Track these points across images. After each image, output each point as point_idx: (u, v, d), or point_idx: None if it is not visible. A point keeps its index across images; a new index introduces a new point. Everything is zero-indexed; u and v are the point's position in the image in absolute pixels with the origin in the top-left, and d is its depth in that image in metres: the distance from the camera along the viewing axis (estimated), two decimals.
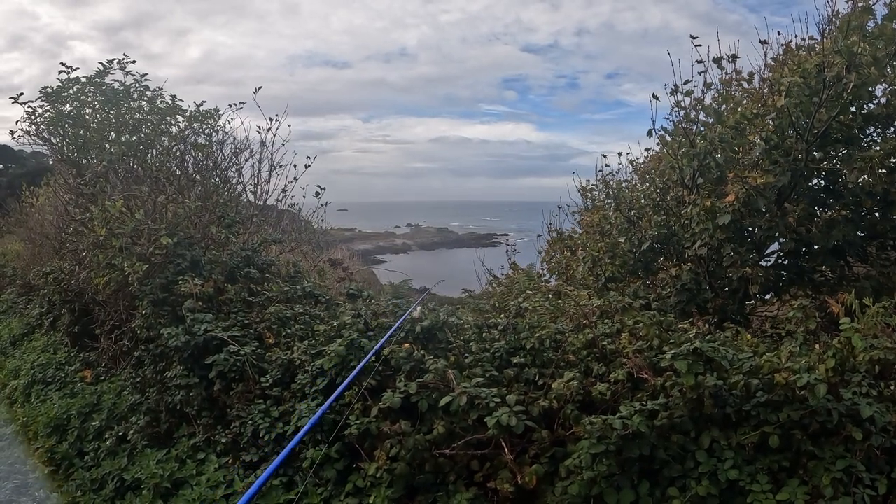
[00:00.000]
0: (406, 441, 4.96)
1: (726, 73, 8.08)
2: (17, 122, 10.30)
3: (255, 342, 6.89)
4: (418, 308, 6.17)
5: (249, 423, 6.12)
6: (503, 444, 4.65)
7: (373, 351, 5.38)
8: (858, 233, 7.12)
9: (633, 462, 4.34)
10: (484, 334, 5.95)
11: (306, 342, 6.52)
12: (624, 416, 4.28)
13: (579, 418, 4.53)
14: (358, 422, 5.25)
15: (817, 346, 4.78)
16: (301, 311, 7.40)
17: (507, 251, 10.86)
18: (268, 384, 6.38)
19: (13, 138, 10.54)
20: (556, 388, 4.76)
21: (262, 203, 10.73)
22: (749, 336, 5.26)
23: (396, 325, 5.86)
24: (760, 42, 7.92)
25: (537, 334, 5.46)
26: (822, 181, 7.44)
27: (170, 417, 7.07)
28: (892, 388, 4.51)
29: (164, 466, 6.38)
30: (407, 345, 5.64)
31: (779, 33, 8.09)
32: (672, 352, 4.46)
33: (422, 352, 5.56)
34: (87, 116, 10.00)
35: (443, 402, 4.88)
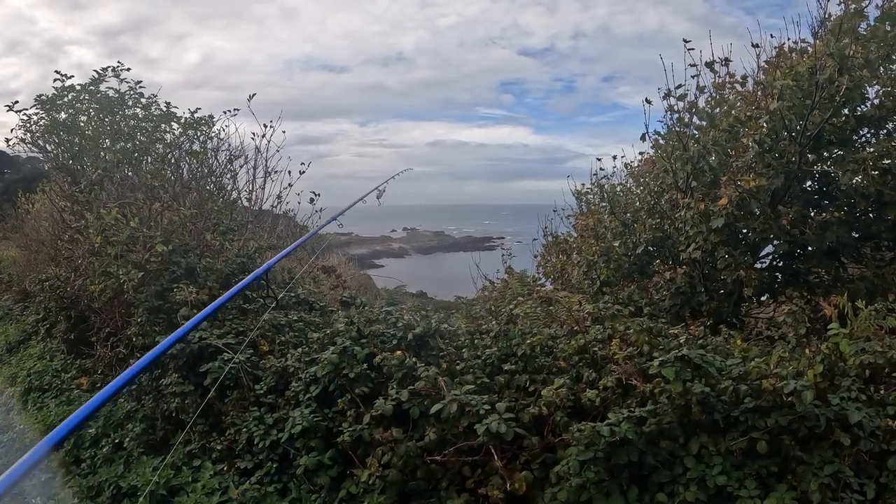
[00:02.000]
0: (398, 448, 4.98)
1: (719, 77, 8.09)
2: (11, 130, 10.33)
3: (250, 349, 6.89)
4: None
5: (244, 430, 6.13)
6: (493, 450, 4.66)
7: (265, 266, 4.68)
8: (852, 234, 7.12)
9: (621, 468, 4.34)
10: (476, 341, 5.96)
11: (300, 349, 6.53)
12: (612, 422, 4.28)
13: (568, 425, 4.53)
14: (351, 429, 5.27)
15: (807, 350, 4.78)
16: (295, 318, 7.41)
17: (503, 255, 10.86)
18: (262, 391, 6.39)
19: (8, 146, 10.57)
20: (545, 395, 4.76)
21: (257, 209, 10.75)
22: (740, 340, 5.26)
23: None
24: (753, 45, 7.92)
25: (529, 341, 5.46)
26: (816, 183, 7.45)
27: (165, 425, 7.07)
28: (882, 391, 4.51)
29: (160, 473, 6.38)
30: (399, 352, 5.65)
31: (771, 36, 8.10)
32: (660, 358, 4.46)
33: (413, 359, 5.57)
34: (82, 124, 10.02)
35: (433, 409, 4.89)
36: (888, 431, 4.14)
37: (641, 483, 4.39)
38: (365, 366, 5.75)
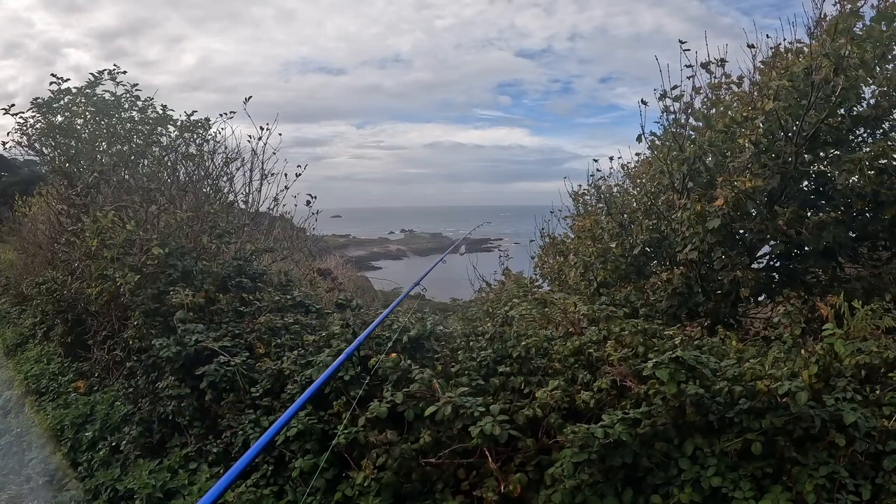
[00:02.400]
0: (393, 450, 4.97)
1: (715, 77, 8.09)
2: (8, 133, 10.33)
3: (246, 352, 6.90)
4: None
5: (240, 432, 6.15)
6: (488, 452, 4.66)
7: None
8: (849, 234, 7.12)
9: (616, 470, 4.33)
10: (471, 343, 5.95)
11: (296, 352, 6.54)
12: (606, 424, 4.27)
13: (563, 427, 4.52)
14: (346, 431, 5.26)
15: (802, 351, 4.77)
16: (292, 320, 7.41)
17: (500, 257, 10.86)
18: (258, 394, 6.39)
19: (4, 149, 10.57)
20: (540, 397, 4.76)
21: (253, 212, 10.75)
22: (735, 341, 5.25)
23: None
24: (749, 46, 7.92)
25: (524, 342, 5.45)
26: (812, 183, 7.46)
27: (162, 428, 7.08)
28: (877, 392, 4.50)
29: (157, 477, 6.40)
30: (394, 354, 5.64)
31: (767, 36, 8.10)
32: (654, 360, 4.46)
33: (408, 361, 5.56)
34: (79, 127, 10.01)
35: (428, 411, 4.89)
36: (884, 432, 4.12)
37: (636, 485, 4.39)
38: (360, 368, 5.75)
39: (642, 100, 7.70)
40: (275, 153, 10.52)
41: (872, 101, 7.18)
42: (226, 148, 10.67)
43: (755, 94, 7.62)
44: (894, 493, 3.89)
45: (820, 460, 4.12)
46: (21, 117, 10.02)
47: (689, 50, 7.53)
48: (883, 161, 6.77)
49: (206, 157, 10.26)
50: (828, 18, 7.37)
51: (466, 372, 5.52)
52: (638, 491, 4.35)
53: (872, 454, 4.09)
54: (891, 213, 6.68)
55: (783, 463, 4.20)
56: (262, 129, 10.31)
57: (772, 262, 7.50)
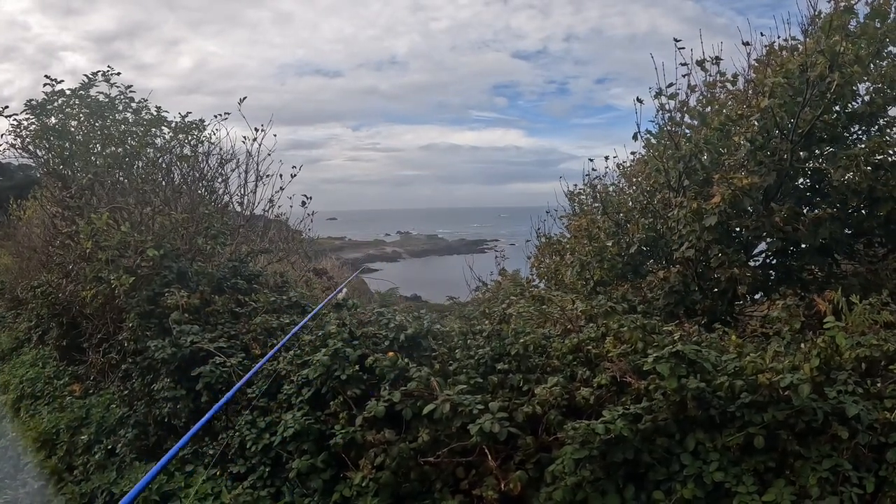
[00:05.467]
0: (391, 450, 4.93)
1: (710, 76, 8.11)
2: (2, 136, 10.26)
3: (242, 353, 6.85)
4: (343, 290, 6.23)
5: (236, 434, 6.08)
6: (487, 451, 4.62)
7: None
8: (845, 230, 7.13)
9: (617, 466, 4.31)
10: (469, 341, 5.92)
11: (292, 352, 6.49)
12: (607, 420, 4.24)
13: (563, 424, 4.49)
14: (343, 431, 5.22)
15: (803, 345, 4.77)
16: (287, 321, 7.36)
17: (496, 257, 10.84)
18: (254, 395, 6.33)
19: None
20: (539, 394, 4.73)
21: (248, 213, 10.71)
22: (734, 337, 5.24)
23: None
24: (743, 44, 7.94)
25: (522, 340, 5.42)
26: (808, 180, 7.47)
27: (158, 430, 7.01)
28: (878, 384, 4.49)
29: (153, 479, 6.34)
30: (392, 353, 5.61)
31: (762, 34, 8.12)
32: (654, 355, 4.43)
33: (406, 360, 5.53)
34: (73, 129, 9.94)
35: (426, 410, 4.85)
36: (886, 424, 4.11)
37: (638, 481, 4.36)
38: (357, 367, 5.71)
39: (638, 98, 7.72)
40: (269, 155, 10.50)
41: (867, 98, 7.21)
42: (220, 150, 10.65)
43: (750, 91, 7.64)
44: None
45: (823, 453, 4.11)
46: (15, 119, 9.96)
47: (684, 48, 7.55)
48: (878, 157, 6.79)
49: (200, 159, 10.22)
50: (822, 16, 7.40)
51: (464, 370, 5.49)
52: (640, 487, 4.33)
53: (875, 446, 4.08)
54: (886, 209, 6.69)
55: (786, 457, 4.18)
56: (256, 130, 10.28)
57: (768, 260, 7.49)
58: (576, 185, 10.74)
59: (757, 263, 7.49)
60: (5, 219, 17.64)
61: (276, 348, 6.09)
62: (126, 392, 7.76)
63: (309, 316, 6.61)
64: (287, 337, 6.19)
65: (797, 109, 6.76)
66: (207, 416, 4.56)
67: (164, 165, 9.94)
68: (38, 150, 10.23)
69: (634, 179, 9.54)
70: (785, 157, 6.85)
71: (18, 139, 10.11)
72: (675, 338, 4.86)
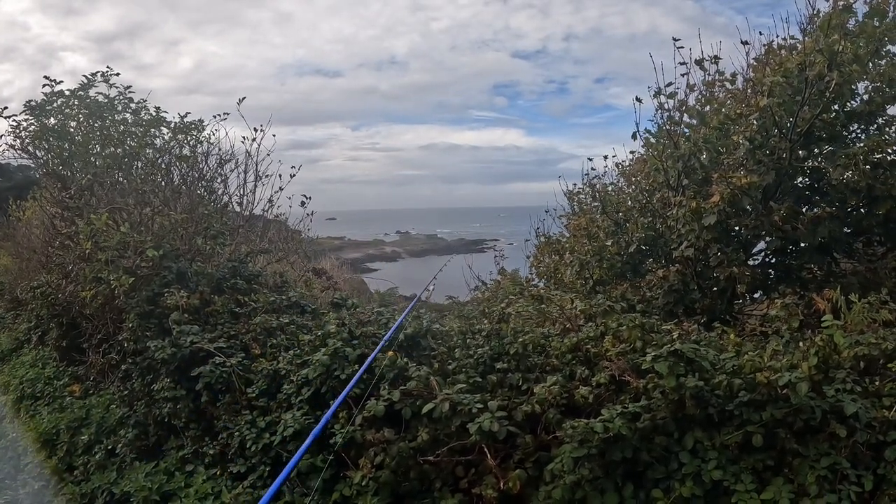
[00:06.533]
0: (390, 449, 4.93)
1: (709, 75, 8.12)
2: (1, 137, 10.27)
3: (242, 353, 6.85)
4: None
5: (237, 434, 6.08)
6: (486, 449, 4.63)
7: (367, 361, 5.30)
8: (844, 229, 7.15)
9: (616, 465, 4.31)
10: (468, 340, 5.92)
11: (292, 352, 6.50)
12: (606, 419, 4.25)
13: (562, 422, 4.50)
14: (342, 430, 5.22)
15: (801, 343, 4.77)
16: (287, 321, 7.37)
17: (496, 257, 10.86)
18: (254, 395, 6.34)
19: None
20: (538, 393, 4.74)
21: (248, 214, 10.71)
22: (733, 335, 5.25)
23: (388, 334, 5.85)
24: (742, 43, 7.95)
25: (521, 339, 5.43)
26: (807, 179, 7.49)
27: (158, 430, 7.02)
28: (877, 383, 4.50)
29: (153, 479, 6.34)
30: (391, 353, 5.61)
31: (760, 34, 8.14)
32: (653, 353, 4.44)
33: (405, 359, 5.53)
34: (72, 129, 9.95)
35: (425, 409, 4.85)
36: (884, 422, 4.12)
37: (636, 479, 4.37)
38: (356, 367, 5.71)
39: (637, 97, 7.73)
40: (269, 155, 10.50)
41: (866, 97, 7.22)
42: (220, 150, 10.65)
43: (749, 90, 7.65)
44: None
45: (821, 452, 4.11)
46: (14, 120, 9.97)
47: (683, 48, 7.56)
48: (877, 156, 6.80)
49: (199, 159, 10.23)
50: (821, 15, 7.41)
51: (464, 369, 5.49)
52: (638, 486, 4.33)
53: (873, 445, 4.08)
54: (885, 207, 6.70)
55: (784, 455, 4.19)
56: (255, 130, 10.28)
57: (767, 259, 7.51)
58: (575, 185, 10.77)
59: (756, 262, 7.51)
60: (5, 219, 17.64)
61: (379, 345, 5.81)
62: (126, 392, 7.77)
63: (411, 305, 6.43)
64: (394, 328, 5.95)
65: (796, 108, 6.77)
66: (324, 419, 4.42)
67: (163, 166, 9.94)
68: (37, 151, 10.24)
69: (633, 179, 9.56)
70: (784, 156, 6.86)
71: (18, 140, 10.12)
72: (674, 337, 4.87)
